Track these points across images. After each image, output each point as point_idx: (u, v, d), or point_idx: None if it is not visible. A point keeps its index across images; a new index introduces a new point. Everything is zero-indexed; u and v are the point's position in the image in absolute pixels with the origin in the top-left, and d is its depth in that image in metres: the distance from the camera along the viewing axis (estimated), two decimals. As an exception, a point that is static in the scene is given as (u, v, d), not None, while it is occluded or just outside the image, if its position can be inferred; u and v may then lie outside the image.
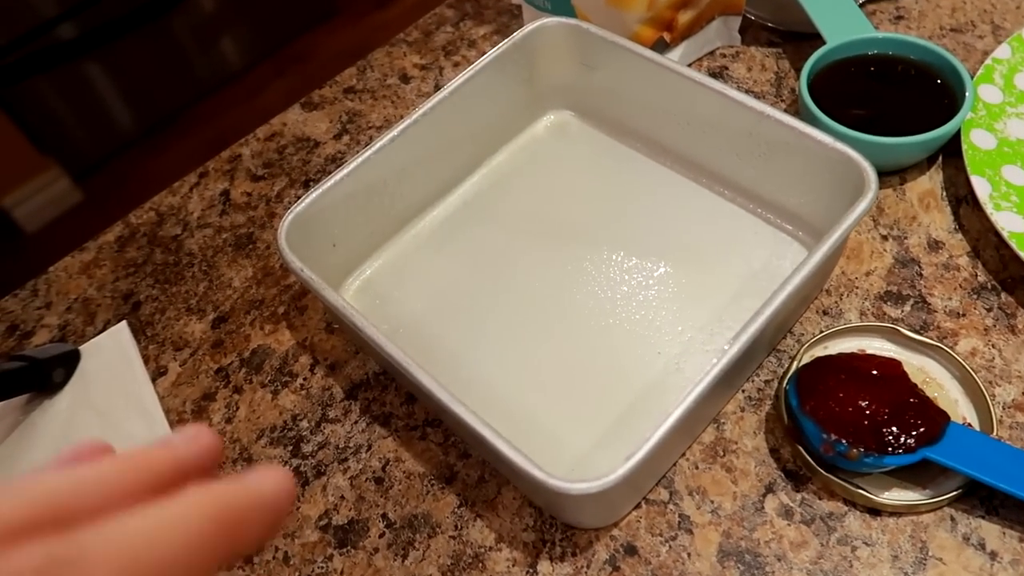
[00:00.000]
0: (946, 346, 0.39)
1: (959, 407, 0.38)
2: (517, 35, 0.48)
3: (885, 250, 0.44)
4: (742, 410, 0.40)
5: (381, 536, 0.39)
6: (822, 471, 0.36)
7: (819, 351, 0.40)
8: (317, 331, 0.46)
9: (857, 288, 0.43)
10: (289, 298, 0.48)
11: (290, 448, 0.42)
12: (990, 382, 0.39)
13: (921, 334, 0.40)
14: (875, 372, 0.36)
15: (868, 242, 0.45)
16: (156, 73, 1.60)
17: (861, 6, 0.53)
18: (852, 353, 0.38)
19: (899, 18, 0.55)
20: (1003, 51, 0.49)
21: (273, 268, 0.50)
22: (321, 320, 0.47)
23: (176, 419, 0.44)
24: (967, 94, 0.45)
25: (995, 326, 0.41)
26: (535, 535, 0.38)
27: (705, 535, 0.37)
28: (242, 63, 1.72)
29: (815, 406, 0.35)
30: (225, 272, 0.50)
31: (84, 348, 0.47)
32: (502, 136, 0.52)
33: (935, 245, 0.44)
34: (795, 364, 0.39)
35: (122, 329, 0.48)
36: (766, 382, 0.41)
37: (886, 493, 0.36)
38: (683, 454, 0.39)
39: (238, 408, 0.44)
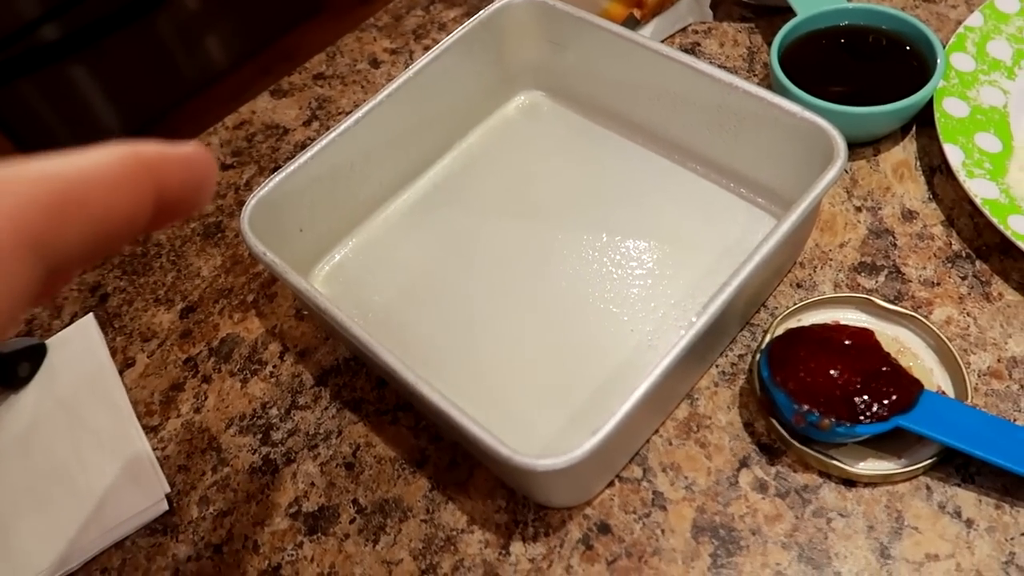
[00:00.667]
0: (921, 315, 0.39)
1: (934, 376, 0.38)
2: (483, 13, 0.47)
3: (859, 221, 0.44)
4: (716, 385, 0.39)
5: (352, 522, 0.38)
6: (796, 443, 0.36)
7: (793, 324, 0.40)
8: (287, 318, 0.46)
9: (831, 260, 0.43)
10: (258, 286, 0.47)
11: (259, 436, 0.41)
12: (965, 350, 0.39)
13: (895, 304, 0.39)
14: (847, 342, 0.36)
15: (842, 214, 0.44)
16: (141, 73, 1.58)
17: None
18: (824, 324, 0.38)
19: (872, -10, 0.55)
20: (975, 19, 0.48)
21: (242, 257, 0.49)
22: (291, 307, 0.46)
23: (144, 410, 0.44)
24: (939, 62, 0.44)
25: (970, 294, 0.40)
26: (507, 516, 0.37)
27: (679, 511, 0.36)
28: (227, 62, 1.71)
29: (786, 377, 0.35)
30: (193, 262, 0.49)
31: (50, 342, 0.47)
32: (473, 117, 0.51)
33: (909, 215, 0.44)
34: (768, 337, 0.38)
35: (89, 322, 0.47)
36: (740, 356, 0.40)
37: (861, 464, 0.36)
38: (656, 431, 0.38)
39: (207, 397, 0.43)
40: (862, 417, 0.33)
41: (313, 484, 0.39)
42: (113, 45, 1.51)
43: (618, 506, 0.36)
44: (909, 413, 0.34)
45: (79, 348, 0.46)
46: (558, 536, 0.36)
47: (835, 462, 0.35)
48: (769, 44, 0.53)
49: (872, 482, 0.35)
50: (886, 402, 0.34)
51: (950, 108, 0.44)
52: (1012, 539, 0.33)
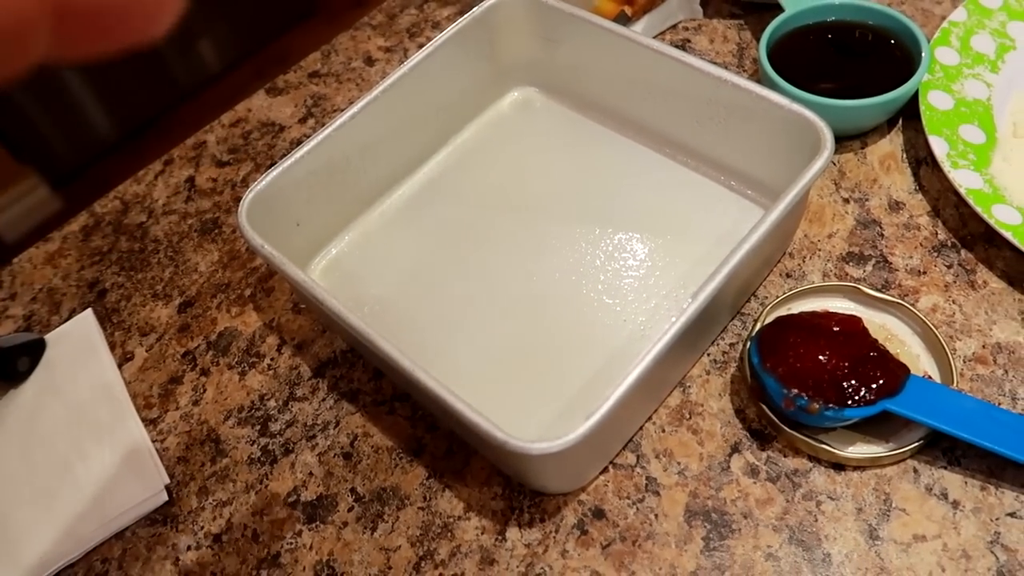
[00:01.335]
0: (907, 303, 0.39)
1: (920, 362, 0.38)
2: (477, 10, 0.48)
3: (847, 212, 0.45)
4: (707, 373, 0.40)
5: (350, 510, 0.39)
6: (786, 428, 0.36)
7: (782, 312, 0.40)
8: (284, 312, 0.46)
9: (819, 250, 0.43)
10: (256, 280, 0.48)
11: (258, 427, 0.42)
12: (951, 337, 0.39)
13: (883, 292, 0.40)
14: (836, 328, 0.37)
15: (830, 205, 0.45)
16: (134, 77, 1.58)
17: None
18: (814, 312, 0.39)
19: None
20: (959, 14, 0.49)
21: (239, 252, 0.50)
22: (288, 301, 0.47)
23: (143, 403, 0.44)
24: (924, 56, 0.45)
25: (955, 282, 0.41)
26: (504, 503, 0.38)
27: (672, 496, 0.37)
28: (221, 66, 1.71)
29: (776, 363, 0.35)
30: (191, 257, 0.50)
31: (49, 337, 0.47)
32: (467, 113, 0.52)
33: (896, 206, 0.44)
34: (758, 325, 0.39)
35: (87, 317, 0.48)
36: (731, 345, 0.41)
37: (850, 448, 0.36)
38: (649, 418, 0.39)
39: (205, 390, 0.44)
40: (850, 401, 0.34)
41: (311, 474, 0.40)
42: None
43: (612, 492, 0.37)
44: (896, 397, 0.35)
45: (78, 343, 0.47)
46: (553, 522, 0.37)
47: (824, 446, 0.36)
48: (758, 40, 0.54)
49: (861, 465, 0.36)
50: (874, 386, 0.34)
51: (935, 101, 0.45)
52: (997, 519, 0.34)
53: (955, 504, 0.35)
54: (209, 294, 0.48)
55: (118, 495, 0.40)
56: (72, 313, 0.49)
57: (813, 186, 0.43)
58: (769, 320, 0.39)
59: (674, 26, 0.56)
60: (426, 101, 0.48)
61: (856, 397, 0.34)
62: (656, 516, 0.36)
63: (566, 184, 0.48)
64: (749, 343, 0.38)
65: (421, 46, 0.58)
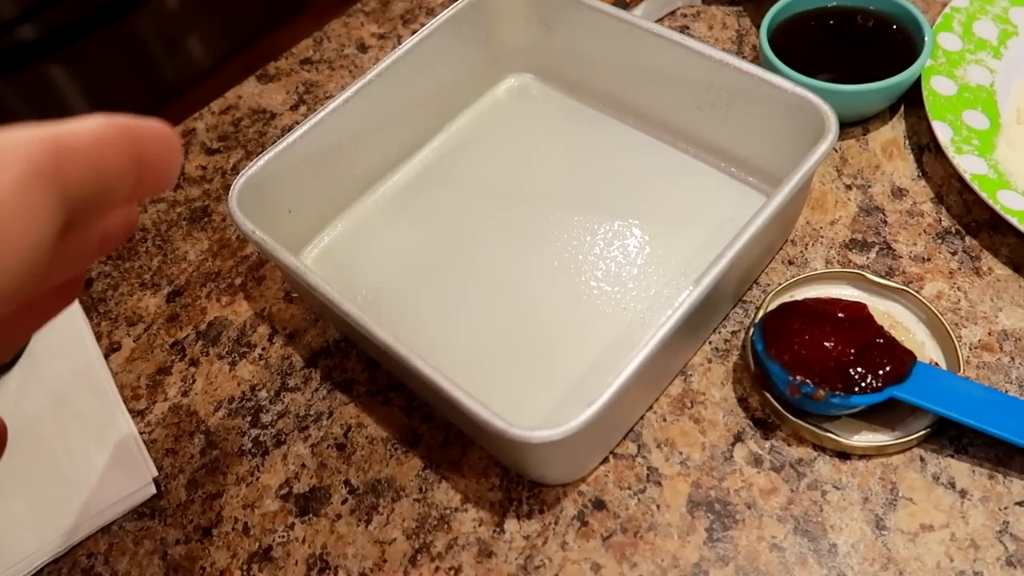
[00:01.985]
0: (912, 290, 0.39)
1: (926, 349, 0.38)
2: (472, -6, 0.47)
3: (849, 199, 0.44)
4: (709, 361, 0.39)
5: (344, 502, 0.38)
6: (790, 417, 0.36)
7: (785, 299, 0.39)
8: (275, 301, 0.45)
9: (822, 237, 0.43)
10: (246, 269, 0.47)
11: (249, 419, 0.41)
12: (956, 324, 0.39)
13: (887, 279, 0.39)
14: (841, 315, 0.36)
15: (832, 192, 0.44)
16: (122, 74, 1.56)
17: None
18: (818, 298, 0.38)
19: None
20: (961, 0, 0.48)
21: (229, 240, 0.48)
22: (279, 289, 0.46)
23: (130, 394, 0.43)
24: (926, 41, 0.44)
25: (960, 269, 0.40)
26: (502, 494, 0.37)
27: (674, 486, 0.36)
28: (210, 63, 1.69)
29: (780, 349, 0.35)
30: (180, 246, 0.49)
31: (34, 327, 0.46)
32: (462, 99, 0.51)
33: (899, 192, 0.44)
34: (761, 312, 0.38)
35: (73, 307, 0.47)
36: (733, 333, 0.40)
37: (855, 436, 0.36)
38: (650, 407, 0.38)
39: (195, 381, 0.43)
40: (857, 388, 0.33)
41: (304, 466, 0.39)
42: (92, 45, 1.50)
43: (613, 482, 0.36)
44: (903, 384, 0.34)
45: (63, 333, 0.45)
46: (553, 513, 0.36)
47: (829, 435, 0.35)
48: (757, 27, 0.53)
49: (866, 454, 0.35)
50: (880, 373, 0.34)
51: (938, 87, 0.45)
52: (1005, 508, 0.34)
53: (963, 493, 0.34)
54: (198, 283, 0.47)
55: (105, 488, 0.39)
56: (57, 303, 0.47)
57: (815, 173, 0.43)
58: (772, 307, 0.38)
59: (672, 13, 0.55)
60: (420, 87, 0.47)
61: (863, 384, 0.33)
62: (658, 507, 0.35)
63: (563, 171, 0.48)
64: (752, 330, 0.37)
65: (415, 32, 0.58)
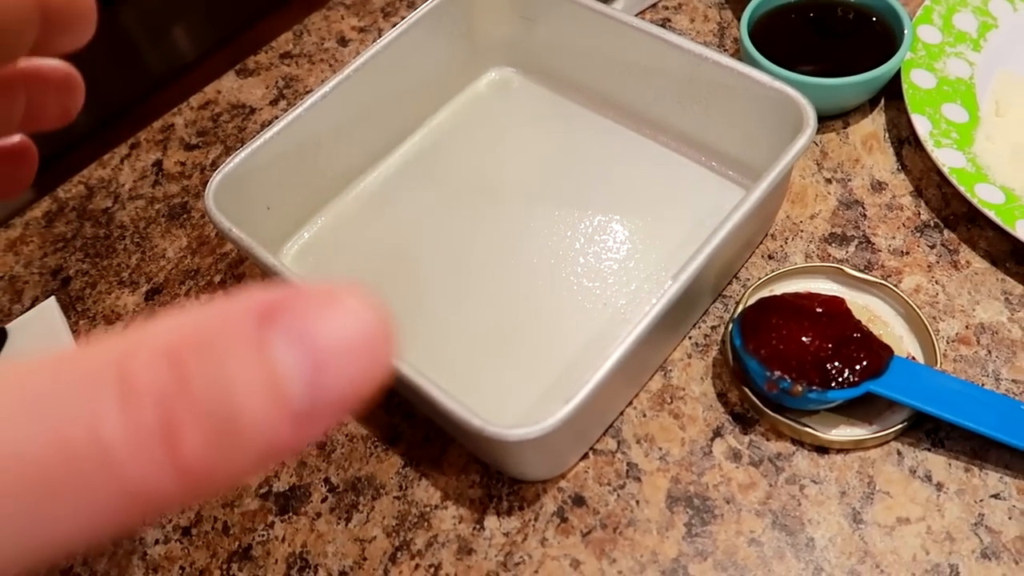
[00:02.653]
0: (890, 284, 0.39)
1: (904, 343, 0.38)
2: (452, -13, 0.46)
3: (829, 193, 0.44)
4: (689, 357, 0.39)
5: (324, 500, 0.37)
6: (769, 412, 0.36)
7: (765, 294, 0.40)
8: (255, 298, 0.45)
9: (802, 232, 0.43)
10: (226, 267, 0.47)
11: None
12: (934, 317, 0.39)
13: (866, 273, 0.39)
14: (819, 310, 0.36)
15: (812, 186, 0.44)
16: (105, 66, 1.55)
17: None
18: (796, 293, 0.38)
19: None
20: (941, -8, 0.48)
21: (209, 237, 0.48)
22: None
23: (109, 394, 0.42)
24: (906, 34, 0.44)
25: (938, 262, 0.41)
26: (481, 491, 0.37)
27: (654, 482, 0.36)
28: (194, 55, 1.68)
29: (759, 345, 0.35)
30: (159, 243, 0.48)
31: (10, 327, 0.45)
32: (443, 94, 0.50)
33: (878, 186, 0.44)
34: (740, 307, 0.38)
35: (51, 305, 0.46)
36: (712, 328, 0.40)
37: (833, 431, 0.36)
38: (630, 403, 0.38)
39: (174, 379, 0.42)
40: (834, 383, 0.34)
41: (283, 464, 0.39)
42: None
43: (592, 478, 0.36)
44: (880, 378, 0.34)
45: (41, 333, 0.45)
46: (532, 510, 0.36)
47: (808, 429, 0.35)
48: (739, 20, 0.53)
49: (844, 448, 0.36)
50: (857, 367, 0.34)
51: (917, 80, 0.45)
52: (981, 501, 0.34)
53: (939, 486, 0.34)
54: (178, 281, 0.46)
55: (83, 488, 0.39)
56: (35, 302, 0.47)
57: (795, 167, 0.43)
58: (751, 302, 0.38)
59: (654, 5, 0.55)
60: (400, 81, 0.47)
61: (840, 379, 0.34)
62: (637, 502, 0.35)
63: (544, 166, 0.47)
64: (731, 325, 0.37)
65: (396, 26, 0.57)
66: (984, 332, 0.38)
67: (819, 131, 0.46)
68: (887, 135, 0.46)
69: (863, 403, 0.35)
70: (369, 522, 0.36)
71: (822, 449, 0.36)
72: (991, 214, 0.38)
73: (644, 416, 0.38)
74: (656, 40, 0.42)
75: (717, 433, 0.37)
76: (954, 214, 0.42)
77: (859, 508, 0.34)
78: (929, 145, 0.41)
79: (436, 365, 0.37)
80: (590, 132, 0.48)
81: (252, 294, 0.12)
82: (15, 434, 0.10)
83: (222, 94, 0.55)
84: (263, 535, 0.37)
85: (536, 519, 0.36)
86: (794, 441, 0.36)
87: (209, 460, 0.11)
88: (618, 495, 0.36)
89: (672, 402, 0.38)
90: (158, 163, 0.52)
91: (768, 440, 0.36)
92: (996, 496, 0.34)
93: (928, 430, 0.36)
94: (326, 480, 0.38)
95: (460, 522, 0.36)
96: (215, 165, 0.52)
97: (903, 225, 0.42)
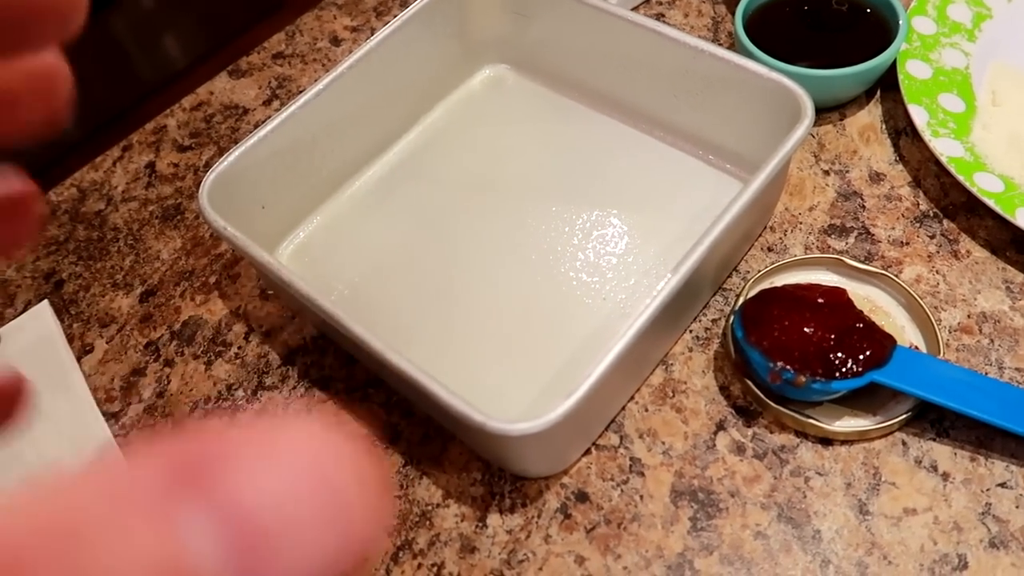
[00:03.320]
0: (891, 274, 0.39)
1: (906, 333, 0.38)
2: (445, -17, 0.46)
3: (827, 185, 0.44)
4: (690, 350, 0.39)
5: (324, 501, 0.37)
6: (772, 404, 0.35)
7: (765, 286, 0.39)
8: (251, 299, 0.45)
9: (801, 223, 0.43)
10: (220, 267, 0.46)
11: (226, 419, 0.40)
12: (935, 307, 0.39)
13: (866, 264, 0.39)
14: (820, 300, 0.36)
15: (810, 178, 0.44)
16: (95, 74, 1.54)
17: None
18: (797, 284, 0.38)
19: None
20: (935, -17, 0.48)
21: (203, 238, 0.48)
22: (255, 287, 0.45)
23: (104, 397, 0.42)
24: (901, 25, 0.44)
25: (938, 252, 0.40)
26: (483, 489, 0.36)
27: (657, 476, 0.36)
28: (185, 62, 1.67)
29: (760, 336, 0.34)
30: (152, 245, 0.48)
31: (3, 331, 0.45)
32: (437, 92, 0.50)
33: (877, 177, 0.44)
34: (741, 299, 0.38)
35: (44, 309, 0.46)
36: (713, 321, 0.40)
37: (837, 422, 0.35)
38: (632, 397, 0.38)
39: (169, 381, 0.42)
40: (837, 373, 0.33)
41: (282, 465, 0.38)
42: (65, 45, 1.47)
43: (595, 474, 0.36)
44: (883, 368, 0.34)
45: (34, 336, 0.44)
46: (535, 506, 0.35)
47: (811, 421, 0.35)
48: (733, 14, 0.53)
49: (848, 440, 0.35)
50: (860, 357, 0.33)
51: (913, 70, 0.44)
52: (988, 490, 0.34)
53: (945, 476, 0.34)
54: (172, 282, 0.46)
55: (78, 493, 0.38)
56: (27, 305, 0.46)
57: (793, 159, 0.42)
58: (752, 294, 0.38)
59: (647, 1, 0.54)
60: (394, 79, 0.46)
61: (843, 369, 0.33)
62: (641, 497, 0.35)
63: (540, 162, 0.47)
64: (732, 317, 0.37)
65: (389, 24, 0.57)
66: (986, 321, 0.38)
67: (816, 123, 0.45)
68: (884, 126, 0.46)
69: (867, 394, 0.35)
70: (370, 522, 0.36)
71: (826, 441, 0.35)
72: (991, 203, 0.38)
73: (646, 411, 0.37)
74: (651, 34, 0.42)
75: (720, 426, 0.37)
76: (953, 204, 0.42)
77: (865, 499, 0.34)
78: (927, 135, 0.41)
79: (436, 362, 0.37)
80: (586, 128, 0.48)
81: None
82: None
83: (215, 95, 0.55)
84: (262, 537, 0.36)
85: (539, 516, 0.35)
86: (798, 433, 0.36)
87: None
88: (621, 490, 0.35)
89: (674, 396, 0.38)
90: (151, 165, 0.52)
91: (772, 432, 0.36)
92: (1003, 485, 0.34)
93: (932, 420, 0.35)
94: (326, 480, 0.37)
95: (462, 520, 0.36)
96: (208, 166, 0.51)
97: (902, 216, 0.42)
